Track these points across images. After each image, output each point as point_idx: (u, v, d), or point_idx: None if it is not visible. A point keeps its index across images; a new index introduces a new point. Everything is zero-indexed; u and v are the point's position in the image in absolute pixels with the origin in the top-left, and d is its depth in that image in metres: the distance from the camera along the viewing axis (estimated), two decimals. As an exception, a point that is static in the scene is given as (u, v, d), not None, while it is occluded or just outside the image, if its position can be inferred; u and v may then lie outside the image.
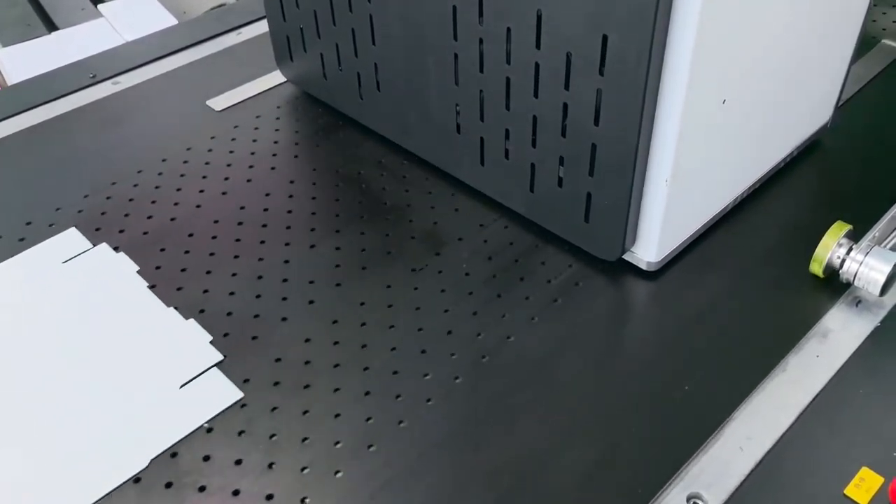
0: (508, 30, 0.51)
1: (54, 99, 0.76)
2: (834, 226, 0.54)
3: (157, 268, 0.58)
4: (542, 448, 0.46)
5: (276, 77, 0.77)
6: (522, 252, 0.58)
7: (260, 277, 0.57)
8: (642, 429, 0.47)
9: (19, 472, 0.45)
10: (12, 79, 1.07)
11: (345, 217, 0.62)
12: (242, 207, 0.63)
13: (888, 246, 0.54)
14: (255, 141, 0.70)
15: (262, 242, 0.60)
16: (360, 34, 0.63)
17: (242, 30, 0.86)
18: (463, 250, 0.59)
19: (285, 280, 0.57)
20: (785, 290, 0.55)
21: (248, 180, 0.66)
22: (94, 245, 0.59)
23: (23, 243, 0.60)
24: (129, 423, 0.48)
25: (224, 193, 0.64)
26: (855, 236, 0.54)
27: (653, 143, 0.50)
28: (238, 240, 0.60)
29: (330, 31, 0.66)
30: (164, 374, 0.50)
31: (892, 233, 0.55)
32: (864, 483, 0.44)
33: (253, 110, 0.74)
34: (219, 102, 0.75)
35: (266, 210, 0.63)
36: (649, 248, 0.55)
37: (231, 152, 0.69)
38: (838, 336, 0.52)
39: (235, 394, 0.49)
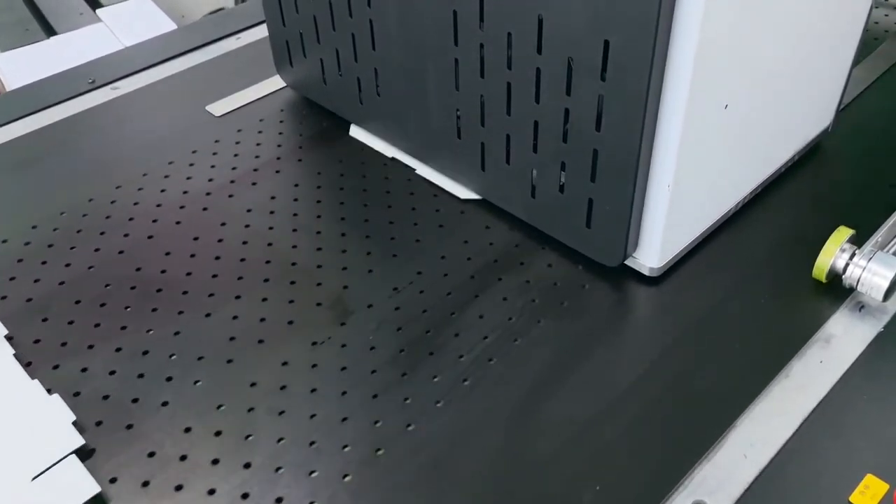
0: (509, 34, 0.51)
1: (53, 105, 0.76)
2: (837, 231, 0.54)
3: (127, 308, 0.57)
4: (544, 455, 0.46)
5: (276, 82, 0.76)
6: (523, 257, 0.58)
7: (146, 352, 0.52)
8: (645, 436, 0.47)
9: None
10: (11, 84, 1.07)
11: (351, 222, 0.62)
12: (249, 210, 0.63)
13: (891, 251, 0.54)
14: (249, 149, 0.70)
15: (270, 244, 0.59)
16: (360, 39, 0.63)
17: (241, 34, 0.86)
18: (468, 253, 0.58)
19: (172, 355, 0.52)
20: (787, 296, 0.55)
21: (254, 183, 0.66)
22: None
23: (28, 247, 0.60)
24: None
25: (231, 196, 0.64)
26: (858, 241, 0.54)
27: (655, 148, 0.49)
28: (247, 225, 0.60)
29: (330, 36, 0.66)
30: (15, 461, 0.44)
31: (894, 238, 0.55)
32: (870, 490, 0.43)
33: (253, 116, 0.73)
34: (218, 108, 0.74)
35: (272, 213, 0.62)
36: (651, 254, 0.55)
37: (237, 155, 0.68)
38: (841, 341, 0.52)
39: (93, 487, 0.43)
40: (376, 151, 0.68)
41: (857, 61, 0.63)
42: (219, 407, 0.48)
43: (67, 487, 0.43)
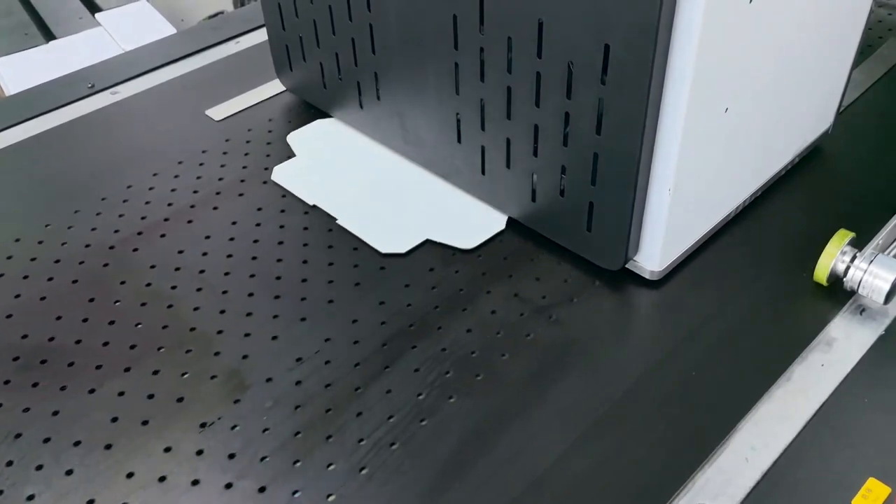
0: (509, 39, 0.51)
1: (52, 109, 0.76)
2: (837, 234, 0.54)
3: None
4: (544, 461, 0.45)
5: (276, 86, 0.76)
6: (523, 262, 0.58)
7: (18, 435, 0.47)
8: (647, 440, 0.47)
9: None
10: (10, 89, 1.07)
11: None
12: (233, 223, 0.63)
13: (892, 254, 0.54)
14: (248, 154, 0.70)
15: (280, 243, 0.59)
16: (359, 43, 0.63)
17: (241, 39, 0.86)
18: (467, 256, 0.58)
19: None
20: (788, 299, 0.55)
21: (240, 194, 0.66)
22: None
23: (11, 259, 0.60)
24: None
25: (215, 208, 0.64)
26: (858, 244, 0.54)
27: (655, 152, 0.49)
28: (231, 238, 0.60)
29: (329, 40, 0.66)
30: None
31: (895, 240, 0.55)
32: (872, 494, 0.43)
33: (252, 120, 0.73)
34: (218, 112, 0.74)
35: (258, 225, 0.62)
36: (652, 257, 0.54)
37: (238, 159, 0.68)
38: (843, 345, 0.52)
39: None
40: (297, 198, 0.64)
41: (856, 64, 0.63)
42: (89, 502, 0.44)
43: None
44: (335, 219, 0.61)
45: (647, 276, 0.56)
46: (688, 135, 0.48)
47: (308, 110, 0.74)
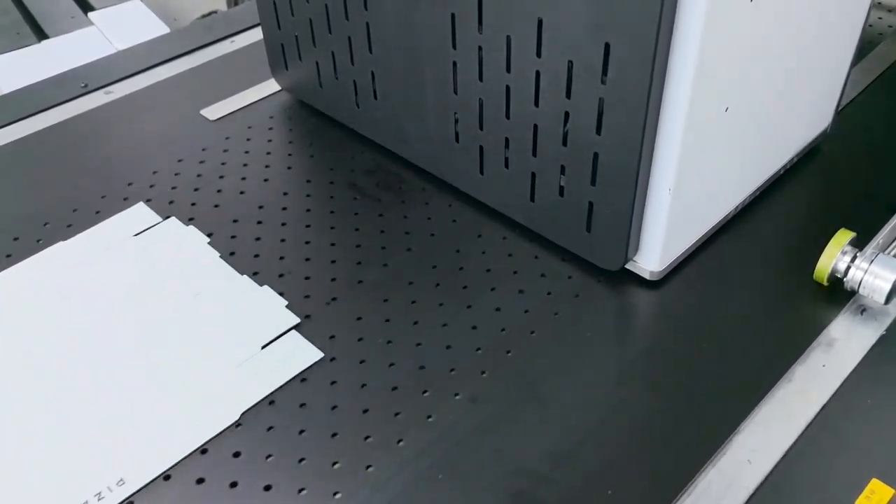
0: (508, 38, 0.51)
1: (46, 109, 0.75)
2: (838, 233, 0.54)
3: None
4: (543, 464, 0.45)
5: (271, 86, 0.76)
6: (523, 261, 0.58)
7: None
8: (647, 443, 0.46)
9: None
10: (2, 88, 1.06)
11: (340, 230, 0.61)
12: (235, 221, 0.62)
13: (893, 253, 0.53)
14: (247, 153, 0.69)
15: (256, 256, 0.59)
16: (356, 42, 0.63)
17: (235, 38, 0.85)
18: (461, 261, 0.58)
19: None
20: (789, 299, 0.55)
21: (241, 192, 0.65)
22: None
23: (10, 259, 0.59)
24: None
25: (228, 201, 0.64)
26: (859, 244, 0.54)
27: (655, 152, 0.49)
28: (232, 253, 0.59)
29: (326, 39, 0.65)
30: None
31: (895, 240, 0.55)
32: (875, 495, 0.43)
33: (248, 119, 0.73)
34: (213, 112, 0.74)
35: (259, 223, 0.62)
36: (652, 258, 0.54)
37: (223, 164, 0.68)
38: (844, 345, 0.51)
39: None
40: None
41: (855, 63, 0.63)
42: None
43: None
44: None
45: (646, 276, 0.55)
46: (688, 134, 0.48)
47: (304, 110, 0.73)
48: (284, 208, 0.63)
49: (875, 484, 0.44)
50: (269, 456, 0.46)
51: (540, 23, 0.48)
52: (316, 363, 0.50)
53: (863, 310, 0.53)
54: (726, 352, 0.51)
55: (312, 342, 0.52)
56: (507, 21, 0.50)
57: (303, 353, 0.51)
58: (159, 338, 0.52)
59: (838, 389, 0.49)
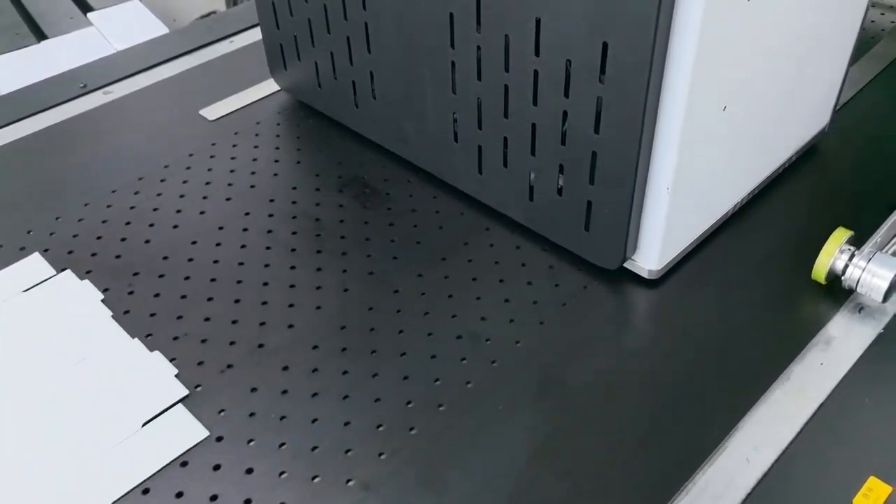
0: (507, 37, 0.51)
1: (45, 109, 0.75)
2: (836, 232, 0.54)
3: (130, 293, 0.56)
4: (540, 461, 0.45)
5: (270, 86, 0.76)
6: (522, 261, 0.58)
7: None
8: (647, 442, 0.46)
9: None
10: (1, 89, 1.06)
11: (350, 226, 0.61)
12: (247, 213, 0.62)
13: (890, 251, 0.53)
14: (243, 153, 0.69)
15: (268, 247, 0.59)
16: (355, 42, 0.63)
17: (234, 38, 0.85)
18: (469, 256, 0.58)
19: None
20: (787, 298, 0.55)
21: (252, 186, 0.65)
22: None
23: (23, 252, 0.59)
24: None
25: (228, 199, 0.64)
26: (857, 242, 0.54)
27: (654, 151, 0.49)
28: (244, 246, 0.59)
29: (324, 39, 0.65)
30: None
31: (893, 238, 0.55)
32: (873, 493, 0.43)
33: (247, 119, 0.73)
34: (212, 112, 0.74)
35: (271, 216, 0.62)
36: (650, 257, 0.54)
37: (221, 163, 0.68)
38: (842, 344, 0.51)
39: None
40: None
41: (853, 61, 0.63)
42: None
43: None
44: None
45: (645, 275, 0.55)
46: (686, 133, 0.48)
47: (303, 110, 0.74)
48: (294, 202, 0.63)
49: (873, 481, 0.44)
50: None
51: (538, 22, 0.48)
52: (200, 442, 0.46)
53: (861, 308, 0.54)
54: (724, 350, 0.51)
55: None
56: (506, 20, 0.50)
57: (187, 431, 0.46)
58: (34, 408, 0.48)
59: (836, 388, 0.49)
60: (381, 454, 0.45)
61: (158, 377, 0.49)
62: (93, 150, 0.70)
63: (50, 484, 0.44)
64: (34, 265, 0.58)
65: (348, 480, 0.44)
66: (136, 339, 0.52)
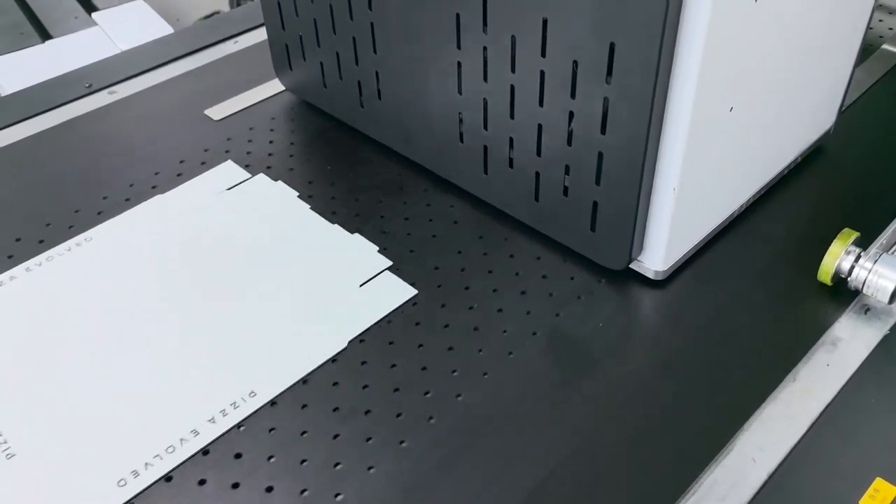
0: (513, 38, 0.51)
1: (50, 109, 0.75)
2: (842, 233, 0.54)
3: None
4: (548, 462, 0.45)
5: (275, 86, 0.76)
6: (527, 261, 0.58)
7: None
8: (652, 441, 0.46)
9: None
10: (6, 89, 1.06)
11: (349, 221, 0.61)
12: (243, 218, 0.62)
13: (896, 253, 0.53)
14: (248, 153, 0.69)
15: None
16: (360, 42, 0.63)
17: (239, 38, 0.85)
18: (465, 261, 0.58)
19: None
20: (793, 299, 0.55)
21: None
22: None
23: (13, 258, 0.59)
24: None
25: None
26: (863, 243, 0.54)
27: (660, 151, 0.49)
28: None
29: (330, 39, 0.65)
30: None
31: (899, 240, 0.55)
32: (879, 494, 0.43)
33: (252, 119, 0.73)
34: (217, 112, 0.74)
35: (267, 220, 0.62)
36: (656, 257, 0.54)
37: (237, 159, 0.68)
38: (848, 345, 0.51)
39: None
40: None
41: (858, 63, 0.63)
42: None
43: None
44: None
45: (651, 275, 0.55)
46: (693, 134, 0.48)
47: (308, 110, 0.74)
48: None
49: (879, 483, 0.44)
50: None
51: (545, 23, 0.49)
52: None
53: (867, 309, 0.54)
54: (730, 351, 0.51)
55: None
56: (512, 21, 0.50)
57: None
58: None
59: (842, 389, 0.49)
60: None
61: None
62: (98, 149, 0.70)
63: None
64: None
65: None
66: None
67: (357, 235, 0.60)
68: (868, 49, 0.80)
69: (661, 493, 0.44)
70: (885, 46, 0.81)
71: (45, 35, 1.26)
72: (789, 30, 0.52)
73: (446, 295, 0.55)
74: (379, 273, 0.57)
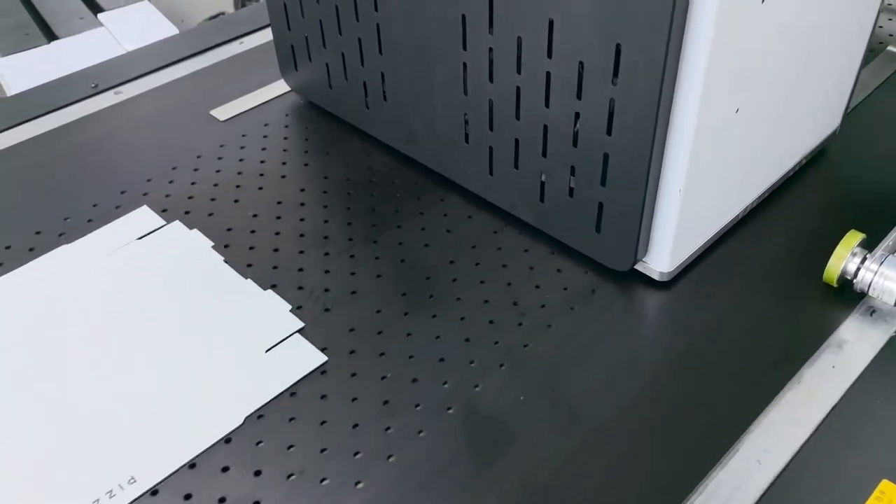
0: (519, 39, 0.51)
1: (56, 109, 0.75)
2: (847, 235, 0.54)
3: None
4: (552, 464, 0.45)
5: (281, 86, 0.76)
6: (532, 262, 0.58)
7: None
8: (657, 443, 0.46)
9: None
10: (12, 89, 1.07)
11: (357, 227, 0.61)
12: (255, 215, 0.62)
13: (902, 255, 0.53)
14: (256, 153, 0.69)
15: (276, 251, 0.59)
16: (366, 43, 0.63)
17: (244, 39, 0.86)
18: (477, 259, 0.58)
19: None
20: (798, 301, 0.55)
21: (260, 188, 0.65)
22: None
23: (32, 253, 0.59)
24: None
25: (236, 201, 0.64)
26: (868, 245, 0.54)
27: (666, 152, 0.49)
28: (251, 248, 0.59)
29: (335, 40, 0.66)
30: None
31: (905, 242, 0.55)
32: (885, 496, 0.43)
33: (257, 120, 0.73)
34: (223, 112, 0.74)
35: (279, 218, 0.62)
36: (662, 259, 0.54)
37: (232, 164, 0.68)
38: (853, 347, 0.51)
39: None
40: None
41: (863, 65, 0.63)
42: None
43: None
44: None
45: (656, 277, 0.55)
46: (699, 135, 0.48)
47: (313, 110, 0.74)
48: (302, 203, 0.63)
49: (885, 485, 0.44)
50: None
51: (551, 24, 0.49)
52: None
53: (872, 311, 0.54)
54: (735, 353, 0.51)
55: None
56: (518, 22, 0.50)
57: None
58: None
59: (848, 391, 0.49)
60: (389, 457, 0.46)
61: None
62: (104, 149, 0.70)
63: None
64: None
65: (448, 408, 0.48)
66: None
67: (270, 292, 0.55)
68: (874, 50, 0.80)
69: (666, 495, 0.44)
70: (890, 48, 0.81)
71: (50, 36, 1.26)
72: (795, 31, 0.52)
73: (359, 361, 0.51)
74: (288, 336, 0.52)
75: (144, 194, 0.65)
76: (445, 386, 0.49)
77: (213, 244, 0.59)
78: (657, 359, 0.51)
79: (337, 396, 0.49)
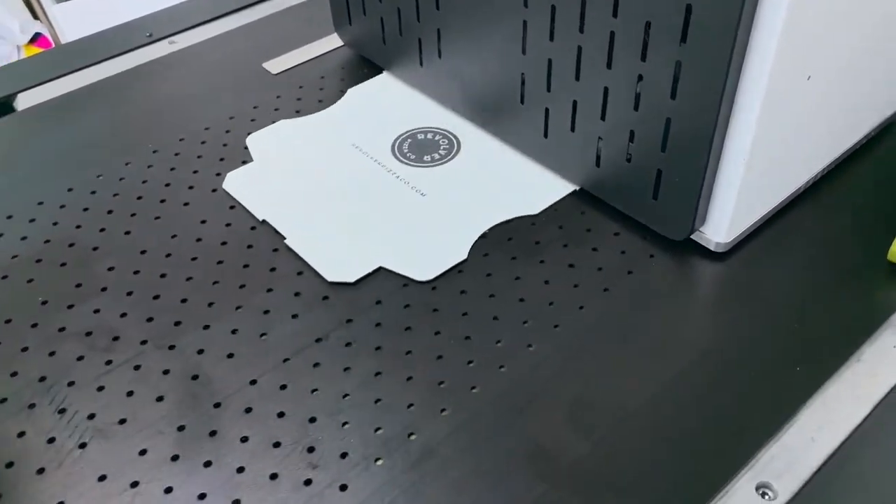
0: (584, -4, 0.50)
1: (110, 57, 0.76)
2: (916, 211, 0.52)
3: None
4: (605, 435, 0.45)
5: (334, 41, 0.75)
6: (587, 227, 0.57)
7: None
8: (710, 415, 0.46)
9: None
10: (66, 36, 1.08)
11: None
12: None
13: (973, 234, 0.51)
14: (320, 102, 0.69)
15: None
16: (423, -2, 0.62)
17: (299, -9, 0.85)
18: (532, 220, 0.57)
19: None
20: (860, 277, 0.53)
21: (306, 145, 0.65)
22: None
23: (63, 209, 0.60)
24: None
25: (281, 158, 0.64)
26: (938, 223, 0.52)
27: (732, 119, 0.48)
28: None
29: (392, -5, 0.64)
30: None
31: (977, 221, 0.53)
32: (944, 481, 0.42)
33: (309, 74, 0.73)
34: (275, 65, 0.74)
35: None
36: (719, 229, 0.53)
37: (297, 112, 0.68)
38: (916, 327, 0.50)
39: None
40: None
41: (942, 35, 0.60)
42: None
43: None
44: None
45: (712, 247, 0.54)
46: (768, 102, 0.46)
47: (366, 66, 0.73)
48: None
49: (944, 469, 0.42)
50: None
51: (619, -19, 0.47)
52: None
53: (938, 291, 0.52)
54: (793, 328, 0.50)
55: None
56: (584, -21, 0.49)
57: None
58: None
59: (909, 372, 0.47)
60: (442, 410, 0.46)
61: None
62: (158, 98, 0.71)
63: None
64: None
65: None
66: None
67: None
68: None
69: (719, 466, 0.43)
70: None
71: (104, -16, 1.26)
72: (875, -4, 0.50)
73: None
74: None
75: (202, 142, 0.65)
76: (499, 345, 0.49)
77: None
78: (710, 330, 0.50)
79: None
